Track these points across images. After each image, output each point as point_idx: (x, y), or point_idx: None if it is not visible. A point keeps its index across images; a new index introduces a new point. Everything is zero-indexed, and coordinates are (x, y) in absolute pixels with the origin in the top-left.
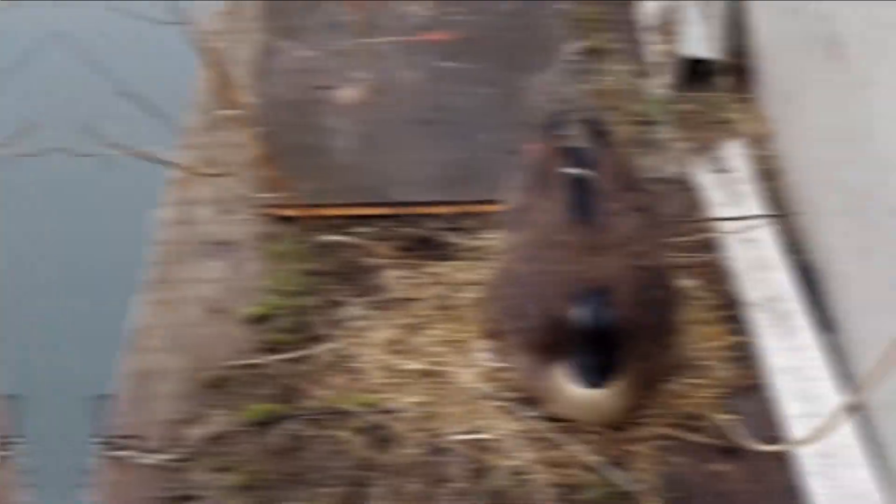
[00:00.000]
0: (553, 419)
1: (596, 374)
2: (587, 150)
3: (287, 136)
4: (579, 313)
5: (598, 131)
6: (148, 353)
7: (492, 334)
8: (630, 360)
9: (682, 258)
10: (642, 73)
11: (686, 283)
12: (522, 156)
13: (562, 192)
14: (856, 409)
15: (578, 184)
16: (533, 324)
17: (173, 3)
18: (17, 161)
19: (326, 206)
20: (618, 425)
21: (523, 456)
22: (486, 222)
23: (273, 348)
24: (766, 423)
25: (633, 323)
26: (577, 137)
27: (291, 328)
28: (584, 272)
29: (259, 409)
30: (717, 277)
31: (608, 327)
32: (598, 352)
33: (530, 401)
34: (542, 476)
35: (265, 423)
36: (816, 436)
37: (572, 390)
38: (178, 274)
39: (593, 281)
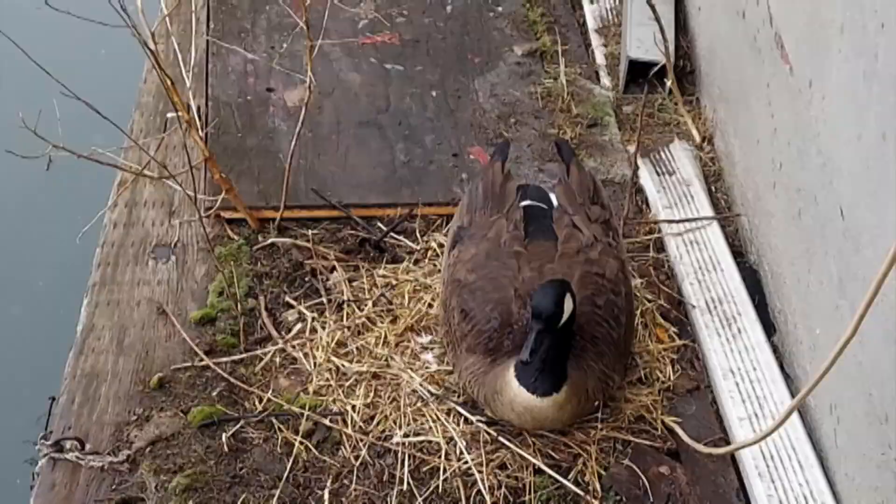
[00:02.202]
0: (498, 421)
1: (541, 382)
2: (537, 183)
3: (233, 139)
4: (536, 303)
5: (565, 149)
6: (94, 355)
7: (440, 335)
8: (576, 368)
9: (627, 260)
10: (588, 76)
11: (631, 284)
12: (471, 167)
13: (513, 214)
14: (797, 410)
15: (530, 209)
16: (480, 326)
17: (120, 5)
18: None
19: (272, 208)
20: (561, 428)
21: (468, 458)
22: (430, 224)
23: (219, 350)
24: (711, 425)
25: (581, 328)
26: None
27: (237, 330)
28: (536, 278)
29: (204, 411)
30: (662, 279)
31: (567, 318)
32: (544, 356)
33: (475, 403)
34: (488, 478)
35: (210, 425)
36: (761, 437)
37: (517, 396)
38: (124, 276)
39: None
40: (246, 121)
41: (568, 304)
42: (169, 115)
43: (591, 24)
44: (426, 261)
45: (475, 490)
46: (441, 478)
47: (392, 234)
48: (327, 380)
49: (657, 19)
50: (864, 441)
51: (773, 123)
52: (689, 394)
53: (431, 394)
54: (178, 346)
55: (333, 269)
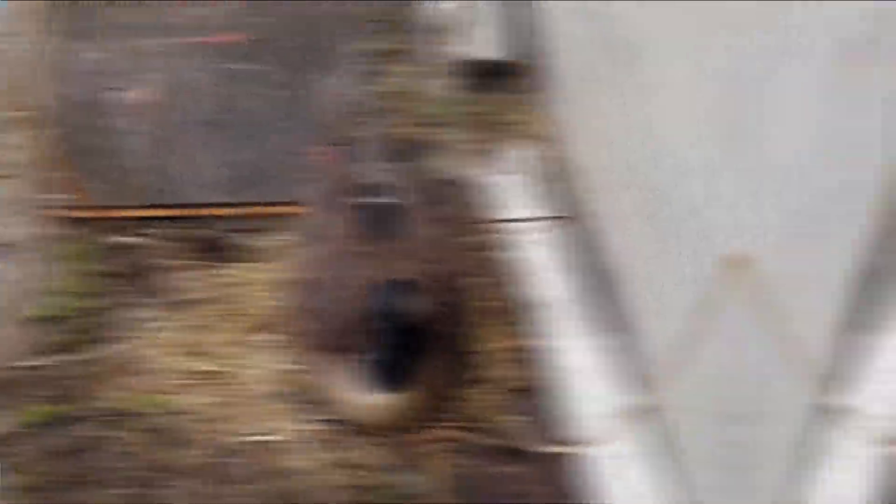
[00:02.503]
0: (343, 421)
1: (385, 379)
2: (381, 183)
3: (77, 138)
4: (382, 300)
5: (406, 149)
6: None
7: (286, 335)
8: (420, 365)
9: (470, 259)
10: (430, 75)
11: (474, 284)
12: (315, 167)
13: (357, 214)
14: (645, 410)
15: (374, 208)
16: (326, 325)
17: None
18: None
19: (116, 207)
20: (407, 428)
21: (313, 457)
22: (275, 224)
23: (60, 349)
24: (554, 425)
25: (425, 326)
26: (372, 160)
27: (79, 330)
28: (378, 276)
29: (42, 410)
30: (504, 279)
31: (412, 315)
32: (389, 355)
33: (320, 402)
34: (332, 478)
35: (49, 425)
36: (605, 436)
37: (361, 394)
38: None
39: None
40: (90, 120)
41: (413, 302)
42: (13, 113)
43: (438, 22)
44: (272, 260)
45: (323, 490)
46: (288, 477)
47: (237, 233)
48: (172, 379)
49: (506, 18)
50: (713, 441)
51: (625, 124)
52: (531, 393)
53: (279, 393)
54: (16, 345)
55: (179, 268)
